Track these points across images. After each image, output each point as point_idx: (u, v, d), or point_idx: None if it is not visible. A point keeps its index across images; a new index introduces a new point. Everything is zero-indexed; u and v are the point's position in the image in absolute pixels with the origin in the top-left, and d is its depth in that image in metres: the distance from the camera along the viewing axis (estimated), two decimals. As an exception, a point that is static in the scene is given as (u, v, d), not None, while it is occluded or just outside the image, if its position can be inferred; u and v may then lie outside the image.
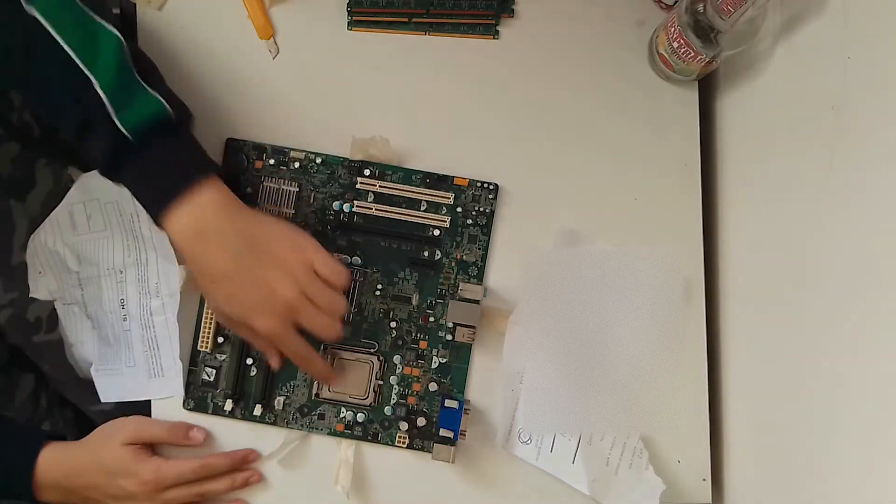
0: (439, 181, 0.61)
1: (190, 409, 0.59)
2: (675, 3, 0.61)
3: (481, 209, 0.61)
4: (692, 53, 0.56)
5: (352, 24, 0.62)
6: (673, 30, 0.56)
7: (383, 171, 0.61)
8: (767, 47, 0.55)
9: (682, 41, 0.55)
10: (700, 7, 0.52)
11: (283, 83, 0.61)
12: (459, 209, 0.61)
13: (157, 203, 0.49)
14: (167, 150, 0.50)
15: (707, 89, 0.65)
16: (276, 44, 0.61)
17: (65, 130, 0.50)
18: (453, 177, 0.61)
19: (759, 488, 0.57)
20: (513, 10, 0.63)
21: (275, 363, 0.57)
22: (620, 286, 0.60)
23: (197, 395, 0.59)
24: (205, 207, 0.49)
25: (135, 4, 0.60)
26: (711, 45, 0.54)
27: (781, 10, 0.53)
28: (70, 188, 0.60)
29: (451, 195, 0.61)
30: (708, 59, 0.56)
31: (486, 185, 0.61)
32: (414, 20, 0.62)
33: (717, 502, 0.61)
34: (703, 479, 0.60)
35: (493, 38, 0.63)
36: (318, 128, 0.61)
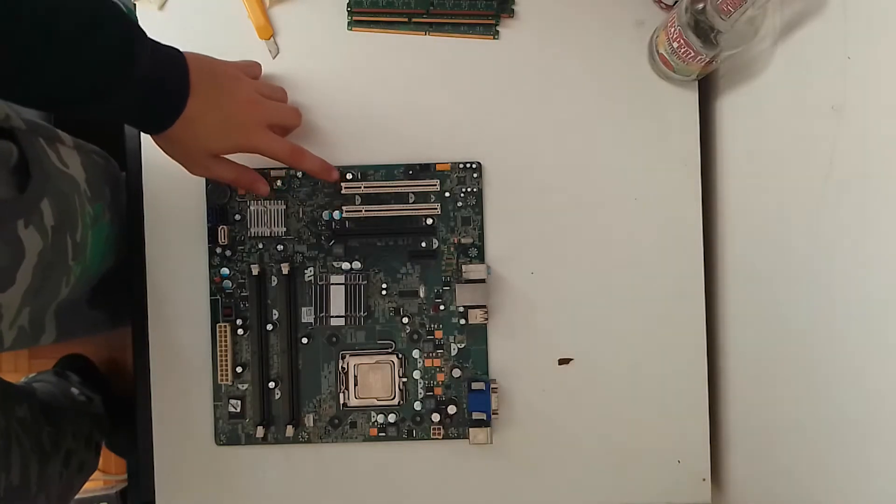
0: (422, 171, 0.61)
1: (223, 444, 0.59)
2: (675, 3, 0.61)
3: (469, 189, 0.61)
4: (692, 53, 0.56)
5: (352, 24, 0.62)
6: (673, 30, 0.56)
7: (365, 171, 0.61)
8: (767, 47, 0.55)
9: (682, 41, 0.55)
10: (700, 7, 0.52)
11: (283, 83, 0.61)
12: (447, 194, 0.61)
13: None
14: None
15: (707, 89, 0.65)
16: (276, 44, 0.61)
17: None
18: (435, 163, 0.61)
19: (759, 488, 0.57)
20: (513, 10, 0.63)
21: (265, 187, 0.57)
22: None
23: (227, 430, 0.60)
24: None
25: (135, 3, 0.60)
26: (711, 45, 0.54)
27: (781, 10, 0.53)
28: None
29: (437, 182, 0.61)
30: (708, 59, 0.56)
31: (469, 166, 0.61)
32: (414, 20, 0.62)
33: (717, 502, 0.61)
34: (703, 479, 0.60)
35: (493, 38, 0.63)
36: (318, 134, 0.61)
